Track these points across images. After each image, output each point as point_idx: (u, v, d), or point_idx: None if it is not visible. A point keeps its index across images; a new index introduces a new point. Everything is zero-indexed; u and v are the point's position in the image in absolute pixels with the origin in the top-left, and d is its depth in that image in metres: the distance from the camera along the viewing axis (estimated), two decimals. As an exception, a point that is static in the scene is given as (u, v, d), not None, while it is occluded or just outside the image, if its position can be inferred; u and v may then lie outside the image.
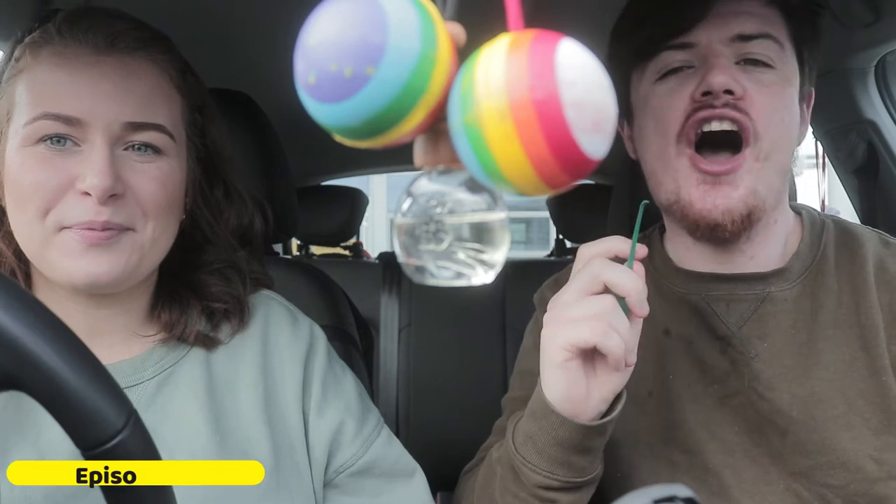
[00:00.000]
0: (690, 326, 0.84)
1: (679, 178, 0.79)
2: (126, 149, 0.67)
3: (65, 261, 0.65)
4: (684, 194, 0.78)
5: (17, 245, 0.69)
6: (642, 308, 0.67)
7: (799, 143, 0.83)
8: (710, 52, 0.77)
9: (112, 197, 0.65)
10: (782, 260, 0.84)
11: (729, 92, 0.75)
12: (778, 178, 0.79)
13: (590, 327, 0.65)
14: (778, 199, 0.81)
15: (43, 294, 0.71)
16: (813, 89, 0.85)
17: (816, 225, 0.87)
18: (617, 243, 0.70)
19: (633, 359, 0.68)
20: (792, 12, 0.79)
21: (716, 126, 0.76)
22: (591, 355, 0.69)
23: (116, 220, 0.65)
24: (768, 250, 0.83)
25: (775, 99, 0.77)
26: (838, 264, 0.83)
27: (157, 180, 0.69)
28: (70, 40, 0.67)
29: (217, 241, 0.80)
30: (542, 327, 0.92)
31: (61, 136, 0.64)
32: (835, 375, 0.77)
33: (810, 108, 0.85)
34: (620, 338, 0.65)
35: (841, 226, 0.87)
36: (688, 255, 0.87)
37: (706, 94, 0.75)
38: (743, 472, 0.78)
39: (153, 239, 0.69)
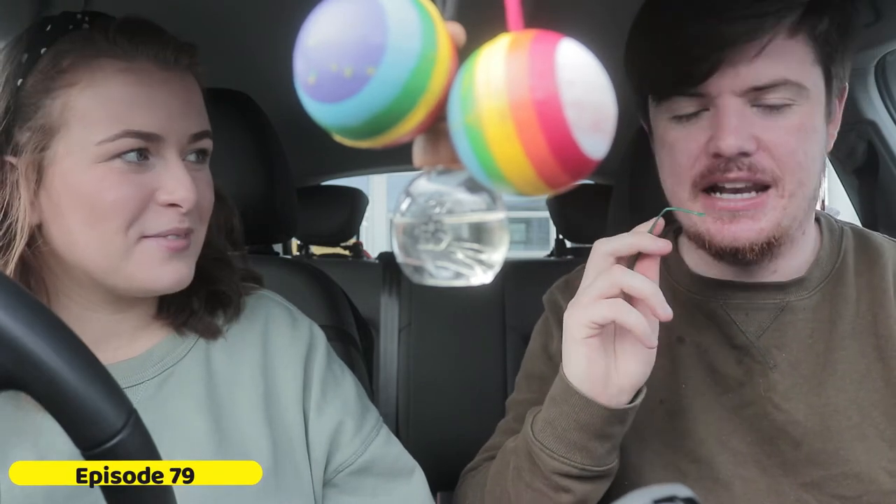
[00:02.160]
0: (706, 334, 0.83)
1: (695, 218, 0.78)
2: (185, 158, 0.70)
3: (148, 270, 0.68)
4: (702, 229, 0.77)
5: (45, 263, 0.69)
6: (663, 310, 0.67)
7: (828, 151, 0.80)
8: (721, 104, 0.73)
9: None
10: (802, 268, 0.83)
11: (742, 153, 0.72)
12: (805, 207, 0.77)
13: (607, 305, 0.68)
14: (805, 220, 0.79)
15: (61, 304, 0.71)
16: (846, 85, 0.80)
17: (835, 232, 0.86)
18: (640, 240, 0.70)
19: (654, 340, 0.69)
20: (819, 34, 0.73)
21: (729, 186, 0.75)
22: (611, 338, 0.71)
23: (192, 225, 0.70)
24: (792, 262, 0.82)
25: (794, 140, 0.73)
26: (857, 273, 0.82)
27: (209, 186, 0.74)
28: (135, 54, 0.67)
29: (208, 238, 0.80)
30: (551, 329, 0.92)
31: (141, 150, 0.66)
32: (850, 386, 0.77)
33: (842, 106, 0.80)
34: (640, 314, 0.67)
35: (859, 233, 0.86)
36: (705, 262, 0.86)
37: (719, 154, 0.73)
38: (753, 483, 0.77)
39: (202, 239, 0.74)
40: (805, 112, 0.73)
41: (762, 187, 0.74)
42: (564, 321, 0.72)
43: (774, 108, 0.73)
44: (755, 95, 0.73)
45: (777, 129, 0.73)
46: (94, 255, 0.66)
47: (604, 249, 0.71)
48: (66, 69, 0.65)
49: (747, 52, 0.70)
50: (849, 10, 0.75)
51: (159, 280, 0.68)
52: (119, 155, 0.65)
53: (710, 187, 0.76)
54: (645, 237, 0.70)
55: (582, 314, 0.69)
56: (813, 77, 0.74)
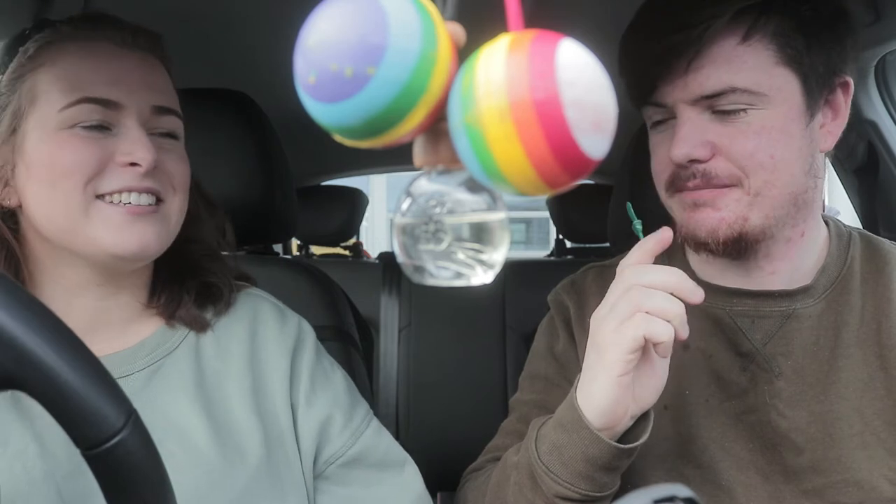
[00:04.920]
0: (711, 341, 0.83)
1: (674, 211, 0.82)
2: (150, 133, 0.72)
3: (111, 232, 0.68)
4: (679, 220, 0.80)
5: (30, 247, 0.72)
6: (683, 331, 0.67)
7: (826, 150, 0.79)
8: (677, 114, 0.76)
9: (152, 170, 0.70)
10: (808, 275, 0.82)
11: (695, 160, 0.75)
12: (780, 206, 0.76)
13: (631, 324, 0.66)
14: (791, 221, 0.79)
15: (47, 291, 0.72)
16: (847, 79, 0.78)
17: (843, 238, 0.86)
18: (651, 244, 0.70)
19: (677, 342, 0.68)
20: (778, 36, 0.73)
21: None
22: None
23: (155, 186, 0.70)
24: (793, 265, 0.82)
25: (753, 143, 0.74)
26: (863, 280, 0.82)
27: (182, 160, 0.75)
28: (96, 35, 0.71)
29: (199, 235, 0.82)
30: (557, 329, 0.92)
31: (99, 122, 0.68)
32: (853, 394, 0.77)
33: (849, 100, 0.79)
34: (669, 326, 0.66)
35: (867, 240, 0.86)
36: (709, 268, 0.86)
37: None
38: (755, 489, 0.77)
39: (179, 212, 0.74)
40: (767, 115, 0.74)
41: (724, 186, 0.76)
42: (596, 356, 0.70)
43: (730, 114, 0.74)
44: (708, 103, 0.74)
45: (734, 135, 0.74)
46: (55, 215, 0.68)
47: (634, 280, 0.68)
48: (33, 55, 0.70)
49: (683, 60, 0.73)
50: (818, 5, 0.74)
51: (122, 244, 0.69)
52: (80, 123, 0.68)
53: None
54: (684, 281, 0.68)
55: (617, 349, 0.67)
56: (776, 79, 0.74)
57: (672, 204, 0.81)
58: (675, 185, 0.78)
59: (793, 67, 0.74)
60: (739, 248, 0.77)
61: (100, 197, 0.68)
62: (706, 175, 0.75)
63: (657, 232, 0.71)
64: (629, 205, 0.76)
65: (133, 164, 0.69)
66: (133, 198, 0.69)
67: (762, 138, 0.74)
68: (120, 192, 0.68)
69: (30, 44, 0.71)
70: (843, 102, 0.79)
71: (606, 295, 0.71)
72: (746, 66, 0.73)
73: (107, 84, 0.69)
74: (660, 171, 0.81)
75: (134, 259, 0.71)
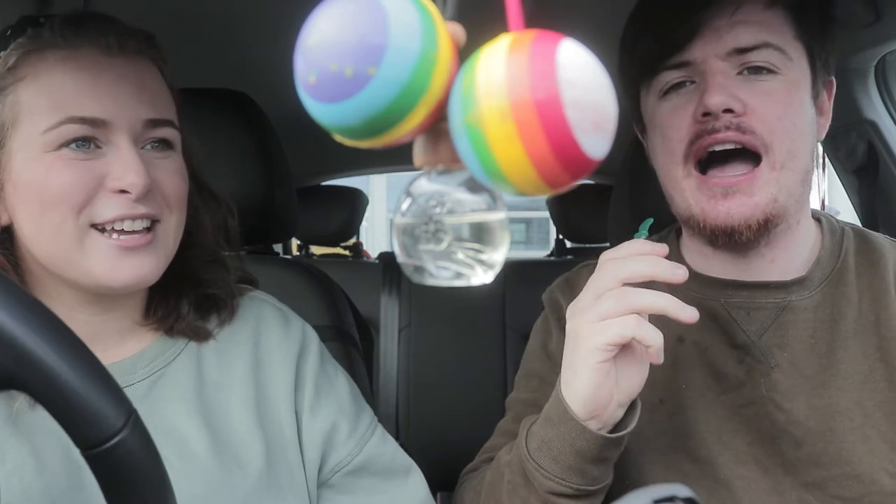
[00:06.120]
0: (707, 333, 0.82)
1: (689, 197, 0.79)
2: (143, 147, 0.69)
3: (105, 266, 0.66)
4: (696, 210, 0.78)
5: (26, 265, 0.70)
6: (684, 314, 0.65)
7: (819, 140, 0.82)
8: (707, 69, 0.76)
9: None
10: (803, 268, 0.83)
11: (729, 110, 0.74)
12: (798, 183, 0.77)
13: (623, 323, 0.65)
14: (800, 202, 0.80)
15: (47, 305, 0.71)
16: (833, 79, 0.83)
17: (836, 232, 0.86)
18: (638, 246, 0.69)
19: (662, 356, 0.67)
20: (797, 10, 0.77)
21: (720, 148, 0.76)
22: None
23: (150, 210, 0.67)
24: (790, 255, 0.82)
25: (782, 107, 0.75)
26: (858, 273, 0.82)
27: (177, 173, 0.72)
28: (79, 43, 0.67)
29: (200, 238, 0.80)
30: (550, 328, 0.92)
31: (87, 138, 0.65)
32: (853, 387, 0.77)
33: (832, 100, 0.83)
34: (658, 331, 0.65)
35: (860, 233, 0.87)
36: (706, 260, 0.85)
37: (706, 114, 0.75)
38: (754, 483, 0.77)
39: (176, 228, 0.72)
40: (790, 83, 0.76)
41: (754, 158, 0.75)
42: (574, 345, 0.69)
43: (759, 73, 0.76)
44: (739, 59, 0.76)
45: (763, 94, 0.75)
46: (48, 245, 0.66)
47: (614, 275, 0.67)
48: (14, 66, 0.66)
49: (725, 12, 0.75)
50: None
51: (117, 276, 0.67)
52: (66, 144, 0.65)
53: (702, 161, 0.77)
54: (661, 265, 0.66)
55: (597, 337, 0.66)
56: (795, 50, 0.77)
57: (690, 187, 0.78)
58: (698, 147, 0.76)
59: (806, 44, 0.78)
60: (764, 232, 0.76)
61: (94, 226, 0.66)
62: (741, 128, 0.74)
63: (673, 267, 0.67)
64: (650, 222, 0.74)
65: (124, 191, 0.66)
66: (126, 224, 0.66)
67: (788, 105, 0.76)
68: (114, 221, 0.66)
69: (11, 52, 0.67)
70: (828, 101, 0.83)
71: (586, 287, 0.69)
72: (773, 27, 0.76)
73: (93, 100, 0.65)
74: (676, 139, 0.78)
75: (129, 290, 0.69)
